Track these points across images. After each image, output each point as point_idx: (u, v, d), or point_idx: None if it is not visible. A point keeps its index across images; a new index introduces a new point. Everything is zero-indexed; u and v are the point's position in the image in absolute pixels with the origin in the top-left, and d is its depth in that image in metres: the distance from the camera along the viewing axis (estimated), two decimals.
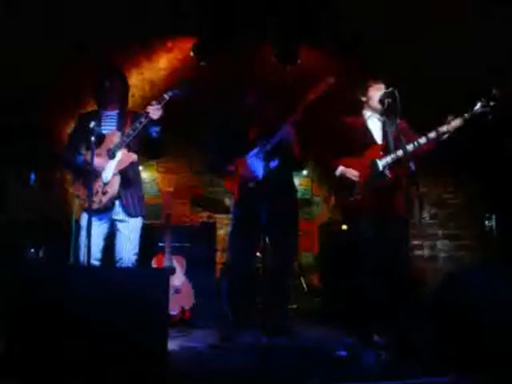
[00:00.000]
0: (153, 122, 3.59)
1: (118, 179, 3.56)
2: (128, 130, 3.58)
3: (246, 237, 4.17)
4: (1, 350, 2.52)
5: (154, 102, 3.57)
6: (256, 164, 4.09)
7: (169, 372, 2.61)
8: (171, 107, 3.62)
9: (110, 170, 3.55)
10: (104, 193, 3.52)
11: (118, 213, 3.64)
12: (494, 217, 5.65)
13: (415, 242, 5.88)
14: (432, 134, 3.62)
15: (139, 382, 2.45)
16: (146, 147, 3.78)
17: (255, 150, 4.12)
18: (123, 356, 2.55)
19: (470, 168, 5.77)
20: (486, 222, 5.72)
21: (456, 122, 3.58)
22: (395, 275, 3.56)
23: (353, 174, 3.76)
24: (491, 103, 3.50)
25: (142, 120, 3.54)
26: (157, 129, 3.67)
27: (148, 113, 3.53)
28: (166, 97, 3.59)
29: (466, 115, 3.58)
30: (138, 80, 6.09)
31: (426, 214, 6.23)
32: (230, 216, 4.77)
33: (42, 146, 5.22)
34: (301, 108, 3.91)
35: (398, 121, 3.66)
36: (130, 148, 3.62)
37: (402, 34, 4.78)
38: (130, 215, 3.65)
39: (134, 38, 5.23)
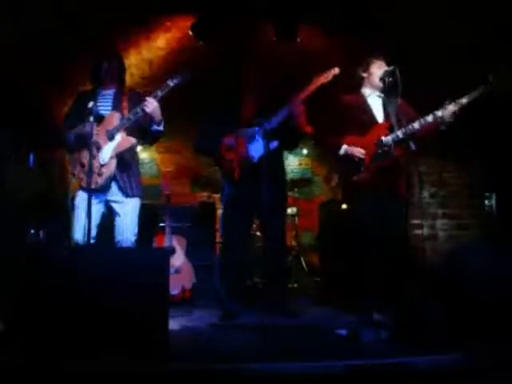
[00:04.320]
0: (147, 114, 3.57)
1: (115, 162, 3.55)
2: (128, 115, 3.57)
3: (241, 217, 4.17)
4: (1, 329, 2.55)
5: (152, 95, 3.53)
6: (253, 144, 4.06)
7: (169, 351, 2.63)
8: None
9: (107, 152, 3.54)
10: (100, 174, 3.51)
11: (115, 194, 3.64)
12: (493, 196, 5.64)
13: (415, 221, 5.85)
14: (439, 113, 3.56)
15: (140, 361, 2.46)
16: (143, 134, 3.78)
17: (254, 130, 4.07)
18: (124, 335, 2.57)
19: (471, 147, 5.75)
20: (486, 201, 5.72)
21: (463, 100, 3.53)
22: (394, 254, 3.58)
23: (360, 151, 3.71)
24: (489, 88, 3.44)
25: (138, 110, 3.53)
26: (157, 127, 3.69)
27: (145, 105, 3.51)
28: (170, 83, 3.56)
29: (474, 93, 3.51)
30: (137, 60, 6.05)
31: (425, 193, 6.22)
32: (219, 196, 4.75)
33: (40, 125, 5.20)
34: (302, 95, 3.89)
35: (399, 100, 3.64)
36: (128, 131, 3.61)
37: (406, 10, 4.74)
38: (127, 196, 3.65)
39: (132, 18, 5.18)
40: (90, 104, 3.36)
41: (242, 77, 4.31)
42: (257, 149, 4.00)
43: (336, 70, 3.90)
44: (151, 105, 3.52)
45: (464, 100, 3.51)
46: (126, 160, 3.65)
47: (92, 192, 3.37)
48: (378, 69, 3.84)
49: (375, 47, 4.21)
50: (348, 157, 3.76)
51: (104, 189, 3.58)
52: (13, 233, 4.57)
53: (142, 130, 3.73)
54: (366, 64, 3.93)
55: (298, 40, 5.55)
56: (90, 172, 3.31)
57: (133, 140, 3.64)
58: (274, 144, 4.02)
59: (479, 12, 4.48)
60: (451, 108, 3.52)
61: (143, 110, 3.52)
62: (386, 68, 3.77)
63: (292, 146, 4.40)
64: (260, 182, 3.76)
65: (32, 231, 4.80)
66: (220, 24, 5.38)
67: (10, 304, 2.60)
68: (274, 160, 4.09)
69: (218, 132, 4.16)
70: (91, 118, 3.32)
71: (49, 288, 2.59)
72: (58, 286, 2.58)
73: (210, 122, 4.34)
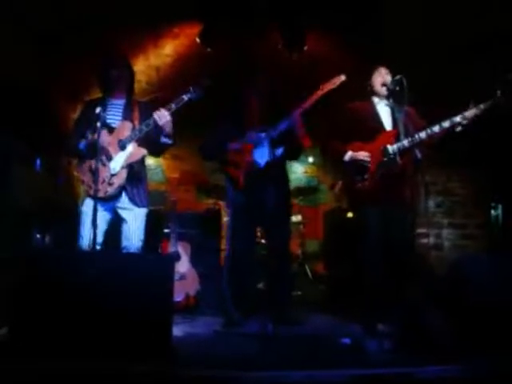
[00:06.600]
0: (159, 128, 3.58)
1: (125, 172, 3.56)
2: (141, 126, 3.57)
3: (245, 223, 4.16)
4: (5, 334, 2.56)
5: (166, 108, 3.53)
6: (259, 150, 4.05)
7: (172, 357, 2.63)
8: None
9: (119, 162, 3.55)
10: (110, 184, 3.52)
11: (123, 201, 3.64)
12: (499, 206, 5.63)
13: (420, 231, 5.85)
14: (446, 123, 3.56)
15: (143, 367, 2.46)
16: (151, 146, 3.77)
17: (260, 136, 4.07)
18: (127, 341, 2.57)
19: (477, 157, 5.74)
20: (492, 212, 5.71)
21: (471, 113, 3.53)
22: (400, 263, 3.57)
23: (364, 155, 3.72)
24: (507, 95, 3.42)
25: (151, 122, 3.53)
26: (167, 139, 3.70)
27: (157, 116, 3.51)
28: (185, 97, 3.57)
29: (481, 106, 3.51)
30: (144, 66, 6.08)
31: (431, 203, 6.21)
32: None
33: (47, 131, 5.21)
34: (309, 102, 3.89)
35: (407, 107, 3.65)
36: (138, 142, 3.62)
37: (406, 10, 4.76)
38: (136, 205, 3.66)
39: (140, 24, 5.21)
40: (98, 110, 3.37)
41: (249, 84, 4.32)
42: (262, 155, 4.00)
43: (342, 78, 3.90)
44: (164, 118, 3.52)
45: (482, 106, 3.50)
46: (136, 170, 3.66)
47: (100, 200, 3.38)
48: (378, 76, 3.89)
49: (375, 52, 4.23)
50: (353, 163, 3.76)
51: (113, 198, 3.59)
52: (18, 237, 4.58)
53: (151, 142, 3.72)
54: (368, 74, 3.96)
55: (305, 49, 5.57)
56: (96, 180, 3.32)
57: (145, 151, 3.66)
58: (279, 151, 4.02)
59: (479, 12, 4.49)
60: (474, 111, 3.50)
61: (155, 122, 3.53)
62: (386, 73, 3.82)
63: (293, 155, 4.36)
64: (264, 188, 3.76)
65: (38, 236, 4.81)
66: (226, 32, 5.40)
67: (14, 306, 2.61)
68: (278, 168, 4.10)
69: (224, 138, 4.17)
70: (98, 124, 3.34)
71: (53, 292, 2.60)
72: (62, 291, 2.59)
73: (218, 128, 4.33)
